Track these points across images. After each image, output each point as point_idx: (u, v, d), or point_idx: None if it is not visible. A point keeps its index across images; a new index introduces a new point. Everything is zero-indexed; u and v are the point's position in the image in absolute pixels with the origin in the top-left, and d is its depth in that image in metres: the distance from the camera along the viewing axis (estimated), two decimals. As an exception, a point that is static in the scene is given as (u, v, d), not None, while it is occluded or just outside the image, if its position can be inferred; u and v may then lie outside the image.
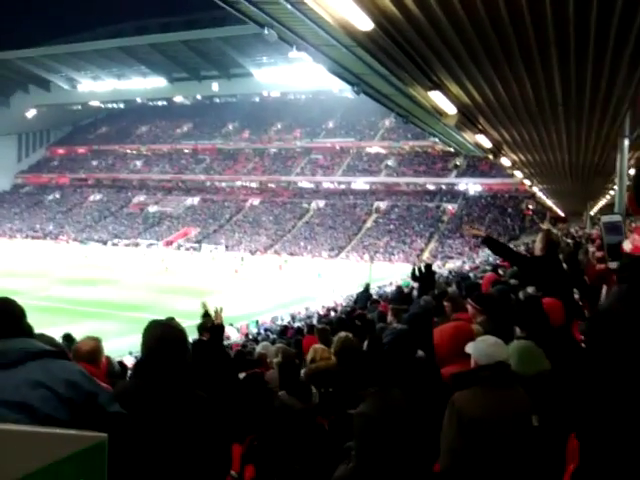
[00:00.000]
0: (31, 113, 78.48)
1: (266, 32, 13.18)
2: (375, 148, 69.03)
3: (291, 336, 11.48)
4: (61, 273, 37.84)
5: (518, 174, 19.05)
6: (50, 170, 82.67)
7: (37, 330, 1.96)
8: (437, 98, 7.64)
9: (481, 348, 2.68)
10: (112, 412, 1.77)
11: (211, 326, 4.29)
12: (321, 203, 63.66)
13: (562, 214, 41.12)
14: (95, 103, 78.01)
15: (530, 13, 4.43)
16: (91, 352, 3.39)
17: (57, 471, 1.37)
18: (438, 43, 5.51)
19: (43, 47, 66.27)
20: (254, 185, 70.17)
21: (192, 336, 4.39)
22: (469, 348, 2.75)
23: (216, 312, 4.35)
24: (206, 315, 4.96)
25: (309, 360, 4.72)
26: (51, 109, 78.41)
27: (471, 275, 13.32)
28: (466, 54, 5.74)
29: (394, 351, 3.36)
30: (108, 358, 5.17)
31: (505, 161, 14.89)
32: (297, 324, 18.21)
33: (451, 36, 5.21)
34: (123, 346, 15.59)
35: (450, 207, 57.99)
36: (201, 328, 4.97)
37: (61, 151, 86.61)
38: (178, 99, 76.12)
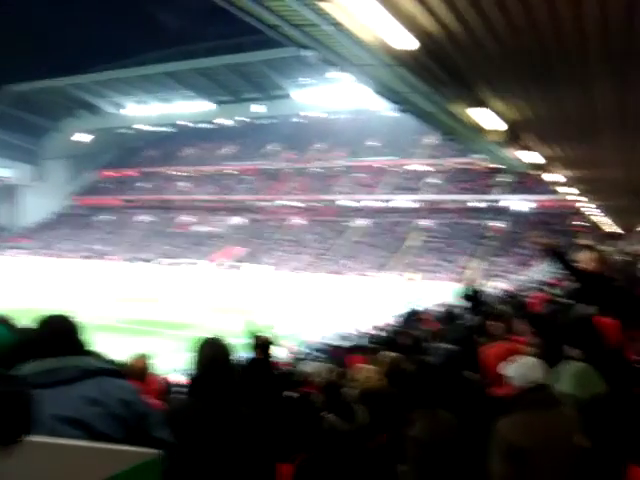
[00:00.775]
0: (81, 137, 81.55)
1: (307, 54, 13.39)
2: (417, 166, 68.66)
3: (339, 355, 11.41)
4: (111, 292, 38.83)
5: (567, 190, 18.59)
6: (100, 192, 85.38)
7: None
8: (481, 115, 7.57)
9: (517, 370, 2.64)
10: (156, 437, 1.80)
11: (262, 344, 4.32)
12: (363, 221, 63.59)
13: (615, 230, 39.84)
14: (142, 126, 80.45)
15: (576, 31, 4.36)
16: (141, 369, 3.48)
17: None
18: (483, 62, 5.48)
19: (91, 73, 68.90)
20: (296, 204, 70.73)
21: (238, 354, 4.41)
22: (507, 371, 2.69)
23: (264, 332, 4.38)
24: (253, 334, 4.99)
25: (360, 381, 4.66)
26: (100, 133, 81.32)
27: (520, 294, 13.01)
28: (512, 73, 5.69)
29: (445, 372, 3.31)
30: (155, 375, 5.25)
31: (554, 177, 14.56)
32: (345, 343, 18.09)
33: (496, 55, 5.17)
34: (169, 364, 15.82)
35: (496, 224, 56.97)
36: (250, 346, 5.02)
37: (110, 174, 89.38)
38: (222, 121, 77.69)
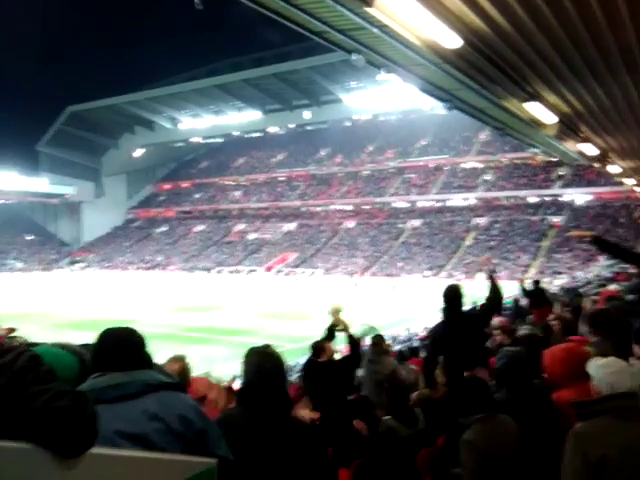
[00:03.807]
0: (138, 153, 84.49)
1: (354, 58, 13.31)
2: (471, 163, 67.37)
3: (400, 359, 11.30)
4: (171, 301, 39.85)
5: (628, 181, 17.83)
6: (157, 205, 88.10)
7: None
8: (534, 109, 7.39)
9: (602, 376, 2.38)
10: (214, 453, 1.80)
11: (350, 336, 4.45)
12: (417, 222, 62.88)
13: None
14: (196, 139, 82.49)
15: (631, 21, 4.20)
16: (176, 372, 3.17)
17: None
18: (532, 55, 5.34)
19: (146, 91, 71.25)
20: (349, 208, 70.69)
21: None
22: (591, 369, 2.47)
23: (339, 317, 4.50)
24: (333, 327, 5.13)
25: (422, 385, 4.59)
26: (156, 148, 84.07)
27: (582, 291, 12.55)
28: (564, 65, 5.52)
29: (508, 375, 3.21)
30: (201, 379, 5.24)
31: (613, 168, 14.01)
32: (398, 346, 17.90)
33: (546, 48, 5.04)
34: (230, 370, 16.05)
35: (556, 220, 55.14)
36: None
37: (167, 186, 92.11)
38: (272, 130, 78.68)
